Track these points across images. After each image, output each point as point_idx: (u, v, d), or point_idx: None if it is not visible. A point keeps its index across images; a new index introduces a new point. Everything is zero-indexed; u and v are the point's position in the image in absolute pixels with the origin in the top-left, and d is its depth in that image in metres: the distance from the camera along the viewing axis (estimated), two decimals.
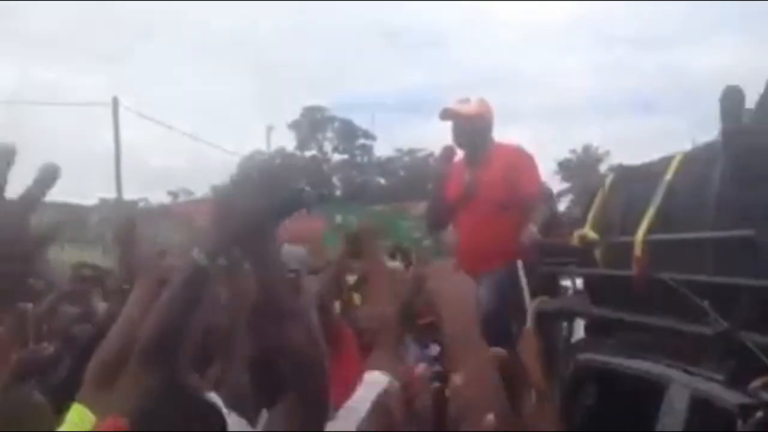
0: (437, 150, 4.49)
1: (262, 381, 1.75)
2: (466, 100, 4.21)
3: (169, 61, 60.69)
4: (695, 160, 2.46)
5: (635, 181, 2.83)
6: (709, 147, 2.50)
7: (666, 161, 2.56)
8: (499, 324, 3.58)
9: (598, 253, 2.87)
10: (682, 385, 2.11)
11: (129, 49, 64.88)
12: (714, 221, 2.18)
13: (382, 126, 64.30)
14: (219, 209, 1.47)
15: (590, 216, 2.93)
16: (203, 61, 63.90)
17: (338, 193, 37.94)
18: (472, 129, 4.10)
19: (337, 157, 41.35)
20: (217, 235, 1.46)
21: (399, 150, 41.11)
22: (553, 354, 3.23)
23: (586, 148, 40.47)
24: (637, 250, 2.44)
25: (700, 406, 2.02)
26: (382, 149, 41.78)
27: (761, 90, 2.36)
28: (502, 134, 4.34)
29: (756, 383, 1.81)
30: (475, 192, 4.00)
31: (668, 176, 2.47)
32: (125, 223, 2.50)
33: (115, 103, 19.81)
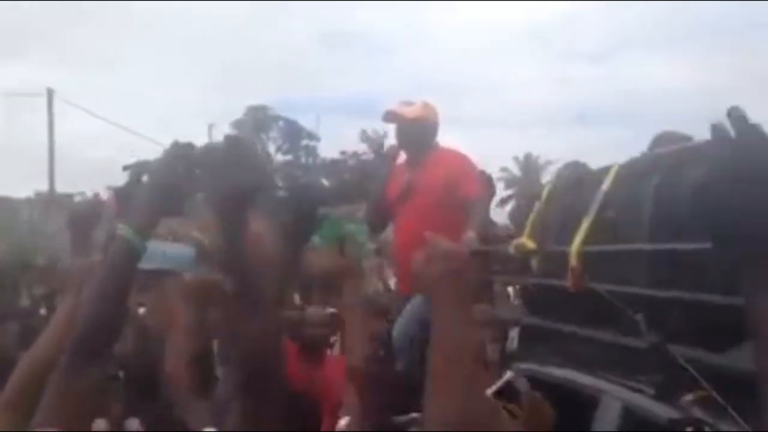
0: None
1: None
2: (410, 103, 4.18)
3: (111, 56, 59.25)
4: (632, 170, 2.45)
5: (573, 190, 2.82)
6: (645, 158, 2.50)
7: (603, 171, 2.56)
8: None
9: (535, 263, 2.84)
10: (614, 398, 2.10)
11: (69, 41, 63.14)
12: (648, 233, 2.17)
13: (327, 128, 64.11)
14: (146, 186, 1.44)
15: (528, 225, 2.90)
16: (146, 58, 62.60)
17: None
18: (414, 131, 4.07)
19: (280, 157, 40.94)
20: (145, 210, 1.40)
21: (344, 152, 41.01)
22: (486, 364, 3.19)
23: (528, 157, 41.25)
24: (573, 261, 2.42)
25: (632, 419, 2.01)
26: (326, 151, 41.61)
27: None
28: (445, 140, 4.33)
29: (687, 397, 1.81)
30: (413, 193, 3.97)
31: (605, 186, 2.46)
32: (83, 207, 2.31)
33: (50, 93, 19.25)
